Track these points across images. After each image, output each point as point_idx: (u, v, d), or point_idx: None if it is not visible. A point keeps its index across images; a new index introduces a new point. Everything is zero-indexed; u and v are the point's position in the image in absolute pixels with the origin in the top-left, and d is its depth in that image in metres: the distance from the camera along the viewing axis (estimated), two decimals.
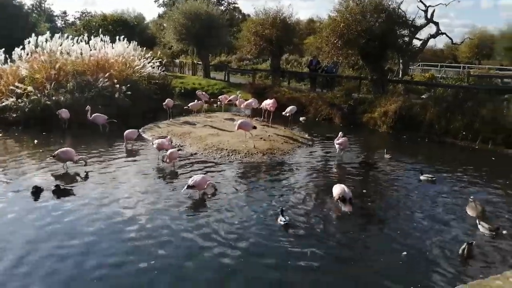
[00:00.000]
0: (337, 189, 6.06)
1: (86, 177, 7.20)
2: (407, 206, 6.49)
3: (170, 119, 13.22)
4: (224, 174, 7.63)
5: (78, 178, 7.23)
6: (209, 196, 6.48)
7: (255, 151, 9.38)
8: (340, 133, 9.44)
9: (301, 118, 14.38)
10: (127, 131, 9.55)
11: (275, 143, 10.24)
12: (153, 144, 8.07)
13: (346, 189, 6.00)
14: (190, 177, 6.73)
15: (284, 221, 5.18)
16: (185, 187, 6.14)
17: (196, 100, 14.10)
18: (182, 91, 22.39)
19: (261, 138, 10.56)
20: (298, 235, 5.34)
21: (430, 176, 7.66)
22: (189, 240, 5.16)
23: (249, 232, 5.32)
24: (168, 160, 7.54)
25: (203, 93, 15.66)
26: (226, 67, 27.48)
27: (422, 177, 7.64)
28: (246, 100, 14.41)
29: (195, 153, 9.27)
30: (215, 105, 15.64)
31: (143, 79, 15.05)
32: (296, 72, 24.58)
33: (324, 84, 18.56)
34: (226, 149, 9.39)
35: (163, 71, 17.65)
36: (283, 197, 6.46)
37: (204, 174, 6.87)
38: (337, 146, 9.32)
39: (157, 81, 15.80)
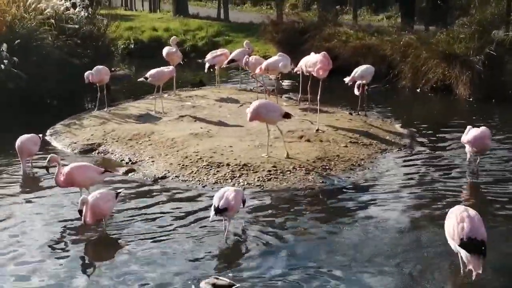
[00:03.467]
0: (455, 222, 5.89)
1: None
2: None
3: (108, 108, 13.37)
4: (220, 226, 7.42)
5: None
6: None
7: (289, 165, 9.39)
8: (468, 127, 9.30)
9: (370, 87, 14.07)
10: (21, 139, 9.67)
11: (331, 147, 10.29)
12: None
13: (474, 215, 5.86)
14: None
15: None
16: (213, 212, 6.99)
17: (169, 65, 13.98)
18: (132, 46, 22.59)
19: (302, 137, 10.65)
20: None
21: None
22: None
23: None
24: (88, 220, 7.35)
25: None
26: None
27: None
28: (265, 57, 14.29)
29: (163, 177, 9.32)
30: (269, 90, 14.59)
31: (48, 27, 15.08)
32: None
33: (431, 13, 18.46)
34: (229, 165, 9.41)
35: (87, 8, 17.57)
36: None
37: (235, 191, 7.19)
38: (467, 146, 9.33)
39: (76, 26, 15.89)
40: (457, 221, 5.89)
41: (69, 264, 6.65)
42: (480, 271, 5.71)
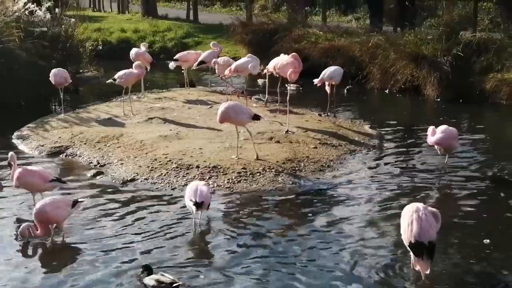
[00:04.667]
0: (406, 223, 5.97)
1: None
2: None
3: (75, 110, 13.41)
4: (189, 226, 7.50)
5: None
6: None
7: (259, 166, 9.41)
8: (430, 127, 9.38)
9: (346, 89, 14.31)
10: None
11: (300, 148, 10.32)
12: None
13: (424, 216, 5.89)
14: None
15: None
16: (194, 207, 7.13)
17: (135, 67, 13.82)
18: (100, 47, 22.39)
19: (272, 139, 10.67)
20: None
21: None
22: None
23: None
24: (38, 232, 7.03)
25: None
26: None
27: None
28: (235, 58, 14.25)
29: (132, 180, 9.28)
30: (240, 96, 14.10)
31: (12, 29, 14.87)
32: None
33: (399, 15, 18.55)
34: (198, 167, 9.40)
35: (52, 10, 17.29)
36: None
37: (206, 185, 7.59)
38: (436, 147, 9.42)
39: (44, 29, 15.80)
40: (407, 222, 5.96)
41: (22, 269, 6.57)
42: (428, 272, 5.87)
